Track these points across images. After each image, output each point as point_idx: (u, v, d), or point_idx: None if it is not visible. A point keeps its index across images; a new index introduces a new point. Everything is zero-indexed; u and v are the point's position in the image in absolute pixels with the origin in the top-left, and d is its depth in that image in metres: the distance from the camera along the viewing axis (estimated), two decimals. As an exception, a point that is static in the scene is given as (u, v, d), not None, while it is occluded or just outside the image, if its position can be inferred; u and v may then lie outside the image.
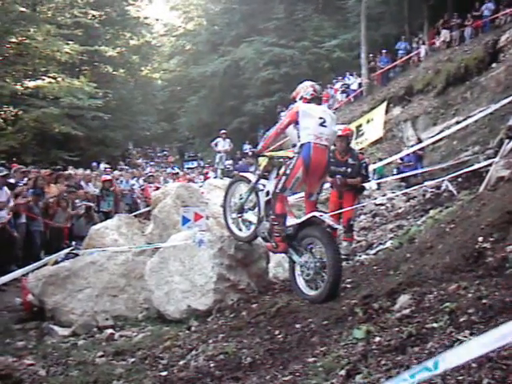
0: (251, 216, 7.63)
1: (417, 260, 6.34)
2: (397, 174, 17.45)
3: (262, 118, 39.60)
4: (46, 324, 8.26)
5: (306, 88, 7.40)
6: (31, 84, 32.73)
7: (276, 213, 6.88)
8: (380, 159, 18.19)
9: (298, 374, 4.53)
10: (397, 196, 13.87)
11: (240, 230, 7.88)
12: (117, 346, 6.97)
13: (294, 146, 6.90)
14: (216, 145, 24.21)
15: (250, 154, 7.90)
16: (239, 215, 7.81)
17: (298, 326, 5.69)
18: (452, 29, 27.27)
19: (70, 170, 21.85)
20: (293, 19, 39.86)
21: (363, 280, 6.57)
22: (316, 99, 7.43)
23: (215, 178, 21.99)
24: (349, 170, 9.85)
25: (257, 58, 38.54)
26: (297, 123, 6.88)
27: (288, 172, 6.77)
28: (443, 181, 11.84)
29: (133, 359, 6.34)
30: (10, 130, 32.85)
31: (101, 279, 8.63)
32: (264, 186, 7.36)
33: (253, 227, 7.55)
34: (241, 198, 7.74)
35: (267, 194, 7.19)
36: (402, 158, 17.67)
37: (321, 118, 6.82)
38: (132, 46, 50.80)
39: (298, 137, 6.81)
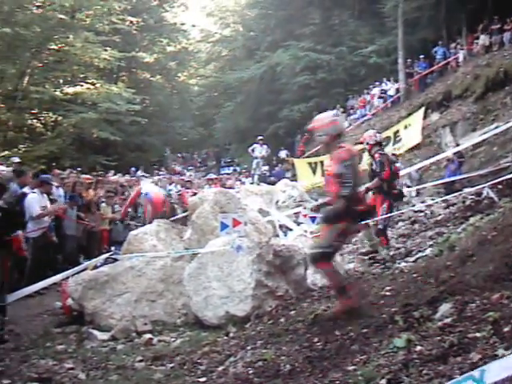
0: None
1: (458, 268, 6.25)
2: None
3: (298, 124, 39.41)
4: (85, 328, 8.32)
5: None
6: (70, 90, 33.13)
7: None
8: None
9: (337, 382, 4.50)
10: (436, 203, 13.74)
11: None
12: (155, 350, 7.00)
13: None
14: (253, 151, 24.23)
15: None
16: None
17: (337, 333, 5.64)
18: (491, 33, 26.93)
19: (111, 176, 22.12)
20: (329, 24, 39.68)
21: (403, 288, 6.49)
22: None
23: (252, 183, 22.00)
24: None
25: (293, 63, 38.39)
26: None
27: None
28: (483, 187, 11.68)
29: (171, 364, 6.36)
30: (49, 135, 33.31)
31: (139, 284, 8.68)
32: None
33: None
34: None
35: None
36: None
37: None
38: (169, 52, 51.10)
39: None
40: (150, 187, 14.13)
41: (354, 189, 6.20)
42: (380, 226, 10.29)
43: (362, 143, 11.33)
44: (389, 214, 10.45)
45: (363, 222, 9.13)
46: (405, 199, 15.90)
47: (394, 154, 20.45)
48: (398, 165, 16.32)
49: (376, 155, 10.55)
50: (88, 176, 17.55)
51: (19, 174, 10.88)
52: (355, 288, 6.61)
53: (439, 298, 5.22)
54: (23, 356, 7.06)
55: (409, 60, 31.71)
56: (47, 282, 9.35)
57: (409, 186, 18.74)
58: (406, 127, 24.75)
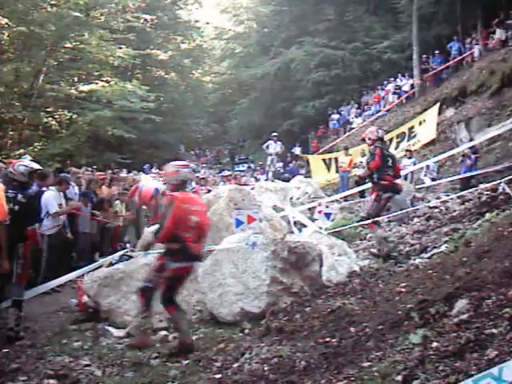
0: None
1: (474, 264, 6.22)
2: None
3: (312, 120, 39.41)
4: (101, 325, 8.36)
5: None
6: (85, 88, 33.18)
7: None
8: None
9: (353, 378, 4.50)
10: (451, 199, 13.66)
11: None
12: (171, 347, 7.01)
13: None
14: (267, 147, 24.20)
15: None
16: None
17: (352, 329, 5.64)
18: (507, 28, 26.70)
19: (124, 174, 22.20)
20: (343, 20, 39.52)
21: (418, 284, 6.47)
22: None
23: (266, 180, 21.99)
24: None
25: (307, 59, 38.29)
26: None
27: None
28: (499, 183, 11.59)
29: (187, 361, 6.38)
30: (64, 133, 33.42)
31: (154, 281, 8.70)
32: None
33: None
34: None
35: None
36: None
37: None
38: (183, 49, 51.19)
39: None
40: (147, 181, 14.12)
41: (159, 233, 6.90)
42: (366, 212, 10.99)
43: (364, 140, 11.69)
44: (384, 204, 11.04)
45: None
46: (419, 195, 15.88)
47: (408, 150, 20.49)
48: (406, 163, 16.48)
49: (372, 148, 10.94)
50: (101, 173, 17.57)
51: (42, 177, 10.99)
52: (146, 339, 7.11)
53: (455, 294, 5.20)
54: (39, 353, 7.10)
55: (424, 55, 31.50)
56: (63, 279, 9.41)
57: (433, 179, 18.80)
58: (420, 123, 24.62)
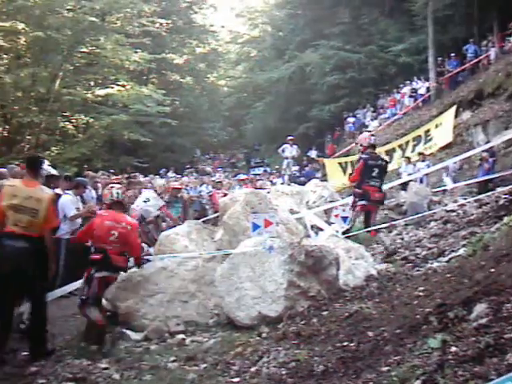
0: None
1: (492, 268, 6.17)
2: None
3: (328, 124, 39.41)
4: (119, 328, 8.39)
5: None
6: (101, 92, 33.37)
7: None
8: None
9: (371, 383, 4.49)
10: (469, 202, 13.60)
11: None
12: (188, 351, 7.04)
13: None
14: (283, 151, 24.14)
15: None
16: None
17: (370, 334, 5.62)
18: (524, 31, 26.59)
19: (141, 178, 22.25)
20: (358, 23, 39.49)
21: (436, 288, 6.43)
22: None
23: (282, 184, 21.97)
24: None
25: (322, 62, 38.28)
26: None
27: None
28: (517, 186, 11.54)
29: (204, 365, 6.38)
30: (81, 137, 33.65)
31: (172, 285, 8.72)
32: None
33: None
34: None
35: None
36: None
37: None
38: (198, 53, 51.41)
39: None
40: (144, 197, 13.98)
41: None
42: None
43: (357, 145, 12.28)
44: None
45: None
46: (436, 198, 15.82)
47: (421, 154, 20.46)
48: (420, 166, 16.65)
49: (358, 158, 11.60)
50: (117, 177, 17.64)
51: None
52: None
53: (474, 298, 5.16)
54: (58, 356, 7.14)
55: (439, 58, 31.38)
56: (81, 282, 9.44)
57: (455, 180, 18.82)
58: (437, 126, 24.50)
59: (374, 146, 11.90)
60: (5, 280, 7.03)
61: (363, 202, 11.48)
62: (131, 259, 8.32)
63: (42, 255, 7.25)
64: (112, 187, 9.30)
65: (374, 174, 11.41)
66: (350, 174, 11.82)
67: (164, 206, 13.70)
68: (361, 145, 11.85)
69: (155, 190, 13.78)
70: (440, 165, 16.43)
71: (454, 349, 4.33)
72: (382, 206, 16.02)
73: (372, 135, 12.50)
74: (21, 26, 27.90)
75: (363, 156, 11.80)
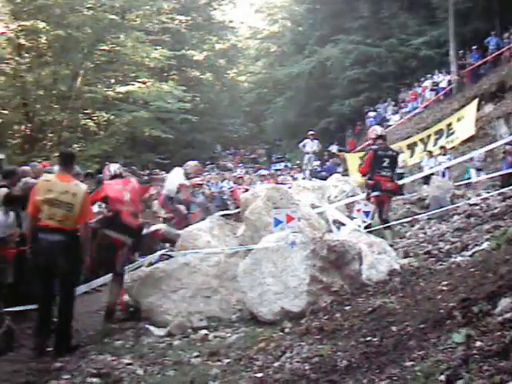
0: None
1: (517, 262, 6.12)
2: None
3: (348, 118, 39.29)
4: (142, 324, 8.42)
5: None
6: (122, 89, 33.57)
7: None
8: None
9: (395, 378, 4.45)
10: (492, 196, 13.48)
11: None
12: (211, 346, 7.03)
13: None
14: (304, 146, 24.14)
15: None
16: None
17: (393, 328, 5.59)
18: (547, 21, 26.32)
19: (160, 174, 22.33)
20: (378, 17, 39.25)
21: (460, 282, 6.38)
22: None
23: (303, 179, 21.94)
24: None
25: (342, 57, 38.13)
26: None
27: None
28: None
29: (228, 360, 6.38)
30: (102, 134, 33.87)
31: (194, 280, 8.73)
32: None
33: None
34: None
35: None
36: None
37: None
38: (218, 49, 51.53)
39: None
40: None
41: None
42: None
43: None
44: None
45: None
46: (459, 192, 15.71)
47: (442, 147, 20.36)
48: (442, 160, 16.58)
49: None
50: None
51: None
52: None
53: (498, 292, 5.11)
54: (82, 352, 7.20)
55: (461, 51, 31.10)
56: (104, 278, 9.49)
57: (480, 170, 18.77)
58: (458, 120, 24.30)
59: (382, 137, 11.87)
60: (41, 273, 7.35)
61: (376, 193, 11.43)
62: None
63: (76, 249, 7.47)
64: (109, 165, 9.90)
65: (384, 165, 11.36)
66: (360, 165, 11.74)
67: (184, 185, 13.54)
68: (370, 138, 11.89)
69: (186, 170, 13.66)
70: (461, 158, 16.29)
71: (478, 343, 4.29)
72: (404, 200, 15.97)
73: (380, 126, 12.56)
74: (42, 25, 28.15)
75: (372, 147, 11.80)
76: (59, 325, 7.46)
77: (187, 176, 13.50)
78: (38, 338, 7.38)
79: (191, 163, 14.11)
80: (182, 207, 13.30)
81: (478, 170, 19.49)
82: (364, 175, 12.03)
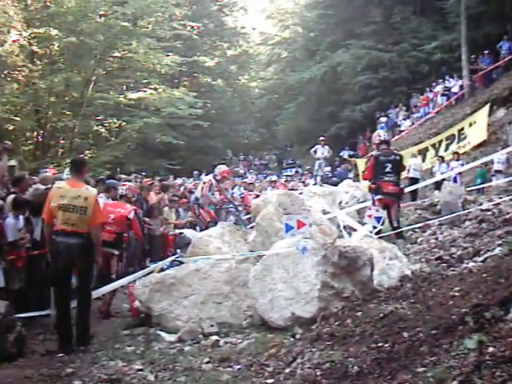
0: None
1: (529, 267, 6.09)
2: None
3: (360, 124, 39.16)
4: (152, 330, 8.45)
5: None
6: (134, 96, 33.69)
7: None
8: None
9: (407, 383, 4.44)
10: (504, 201, 13.41)
11: None
12: (222, 352, 7.02)
13: None
14: (315, 152, 24.11)
15: None
16: None
17: (405, 334, 5.55)
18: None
19: (172, 180, 22.39)
20: (390, 22, 39.05)
21: (472, 288, 6.34)
22: None
23: (314, 184, 21.92)
24: None
25: (354, 62, 38.00)
26: None
27: None
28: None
29: (238, 366, 6.36)
30: (114, 140, 34.01)
31: (205, 286, 8.73)
32: None
33: None
34: None
35: None
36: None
37: None
38: (229, 55, 51.69)
39: None
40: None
41: None
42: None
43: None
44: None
45: None
46: (470, 197, 15.64)
47: (455, 153, 20.29)
48: (454, 165, 16.52)
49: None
50: (148, 179, 17.72)
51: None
52: None
53: (511, 298, 5.09)
54: (93, 357, 7.20)
55: (473, 56, 30.98)
56: (115, 284, 9.52)
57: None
58: (470, 125, 24.25)
59: (386, 142, 11.85)
60: (60, 275, 7.77)
61: (379, 197, 11.41)
62: None
63: (91, 250, 7.90)
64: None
65: (387, 170, 11.31)
66: (363, 172, 11.74)
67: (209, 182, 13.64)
68: (374, 143, 11.92)
69: (215, 175, 13.73)
70: (475, 162, 16.24)
71: (491, 349, 4.26)
72: (416, 206, 15.91)
73: (384, 131, 12.57)
74: (54, 32, 28.26)
75: (374, 153, 11.79)
76: (79, 314, 7.93)
77: (215, 178, 13.59)
78: (62, 336, 7.77)
79: (220, 167, 14.27)
80: (205, 214, 13.28)
81: (497, 171, 19.37)
82: (369, 181, 12.03)
